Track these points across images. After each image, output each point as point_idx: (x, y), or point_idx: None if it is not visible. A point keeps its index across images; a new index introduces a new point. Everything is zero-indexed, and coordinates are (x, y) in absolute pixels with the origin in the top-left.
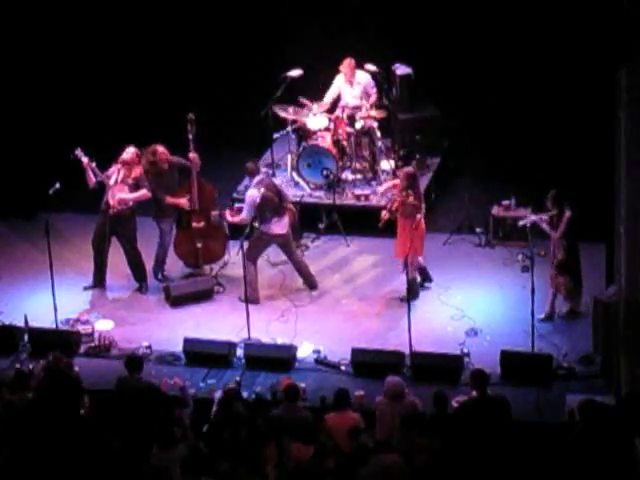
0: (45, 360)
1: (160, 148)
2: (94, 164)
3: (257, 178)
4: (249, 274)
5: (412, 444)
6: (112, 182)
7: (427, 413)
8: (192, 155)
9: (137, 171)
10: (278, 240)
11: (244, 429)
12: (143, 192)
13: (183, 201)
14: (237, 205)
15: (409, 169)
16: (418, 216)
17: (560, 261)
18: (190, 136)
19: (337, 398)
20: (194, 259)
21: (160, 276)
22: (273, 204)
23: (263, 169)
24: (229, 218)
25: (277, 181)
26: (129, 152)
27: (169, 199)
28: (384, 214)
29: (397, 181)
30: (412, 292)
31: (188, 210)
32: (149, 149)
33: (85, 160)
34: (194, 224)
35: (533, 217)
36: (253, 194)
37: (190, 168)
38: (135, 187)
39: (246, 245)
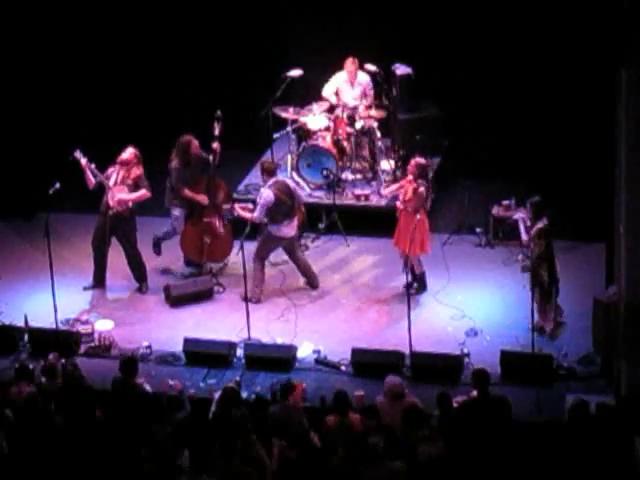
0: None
1: (195, 141)
2: (93, 165)
3: (273, 179)
4: (256, 273)
5: (414, 438)
6: (111, 183)
7: (428, 414)
8: (215, 145)
9: (136, 171)
10: (285, 242)
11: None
12: (142, 192)
13: (201, 197)
14: (248, 205)
15: (420, 159)
16: (418, 216)
17: (532, 270)
18: (216, 132)
19: (337, 400)
20: (199, 254)
21: (157, 248)
22: (285, 207)
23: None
24: (240, 212)
25: (291, 183)
26: (128, 152)
27: (187, 192)
28: (399, 205)
29: (403, 182)
30: (421, 285)
31: (202, 205)
32: (184, 139)
33: (84, 161)
34: (205, 219)
35: (521, 214)
36: (268, 195)
37: (210, 163)
38: (134, 187)
39: (251, 244)
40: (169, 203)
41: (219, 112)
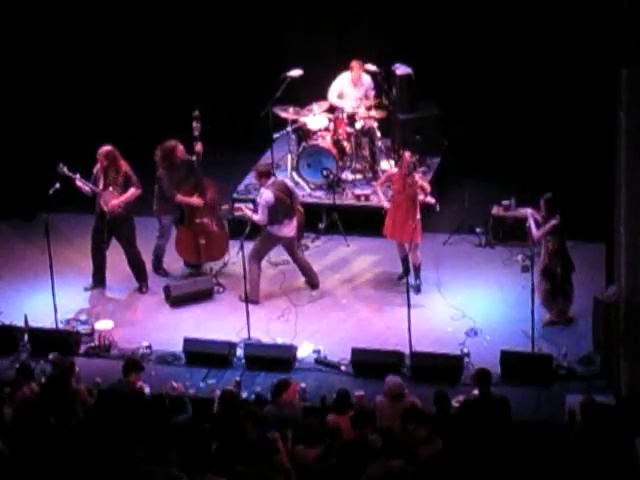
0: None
1: (180, 146)
2: (78, 175)
3: (270, 180)
4: (252, 273)
5: (413, 438)
6: (101, 187)
7: (428, 414)
8: (198, 146)
9: (123, 169)
10: (285, 241)
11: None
12: (132, 191)
13: (195, 199)
14: (249, 205)
15: (408, 152)
16: (419, 216)
17: (545, 266)
18: (196, 133)
19: (338, 400)
20: (196, 256)
21: (161, 270)
22: (285, 206)
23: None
24: (248, 213)
25: (289, 182)
26: (101, 160)
27: (180, 197)
28: (431, 200)
29: (391, 173)
30: (419, 278)
31: (193, 207)
32: (168, 144)
33: (69, 175)
34: (197, 220)
35: (530, 210)
36: (268, 195)
37: (195, 164)
38: (124, 186)
39: (251, 244)
40: (158, 210)
41: (197, 112)
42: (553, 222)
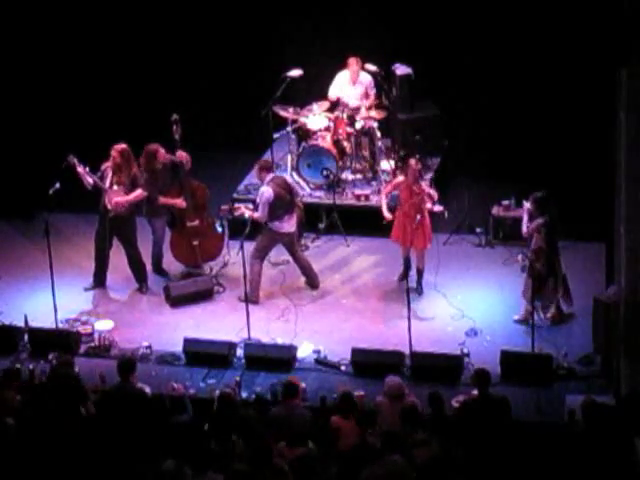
0: (49, 364)
1: (162, 150)
2: (87, 168)
3: (269, 176)
4: (253, 273)
5: (411, 439)
6: (107, 184)
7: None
8: (180, 154)
9: (131, 170)
10: (286, 238)
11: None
12: (138, 192)
13: (179, 201)
14: (249, 205)
15: (414, 160)
16: (419, 217)
17: (529, 260)
18: (177, 137)
19: (343, 402)
20: (192, 258)
21: (159, 270)
22: (285, 202)
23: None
24: (248, 212)
25: (288, 178)
26: (115, 155)
27: (162, 199)
28: (437, 207)
29: (397, 182)
30: (420, 282)
31: (181, 210)
32: (150, 148)
33: (79, 169)
34: (188, 223)
35: (527, 205)
36: (267, 191)
37: (179, 166)
38: (131, 186)
39: (251, 244)
40: (147, 214)
41: (175, 115)
42: (539, 221)
